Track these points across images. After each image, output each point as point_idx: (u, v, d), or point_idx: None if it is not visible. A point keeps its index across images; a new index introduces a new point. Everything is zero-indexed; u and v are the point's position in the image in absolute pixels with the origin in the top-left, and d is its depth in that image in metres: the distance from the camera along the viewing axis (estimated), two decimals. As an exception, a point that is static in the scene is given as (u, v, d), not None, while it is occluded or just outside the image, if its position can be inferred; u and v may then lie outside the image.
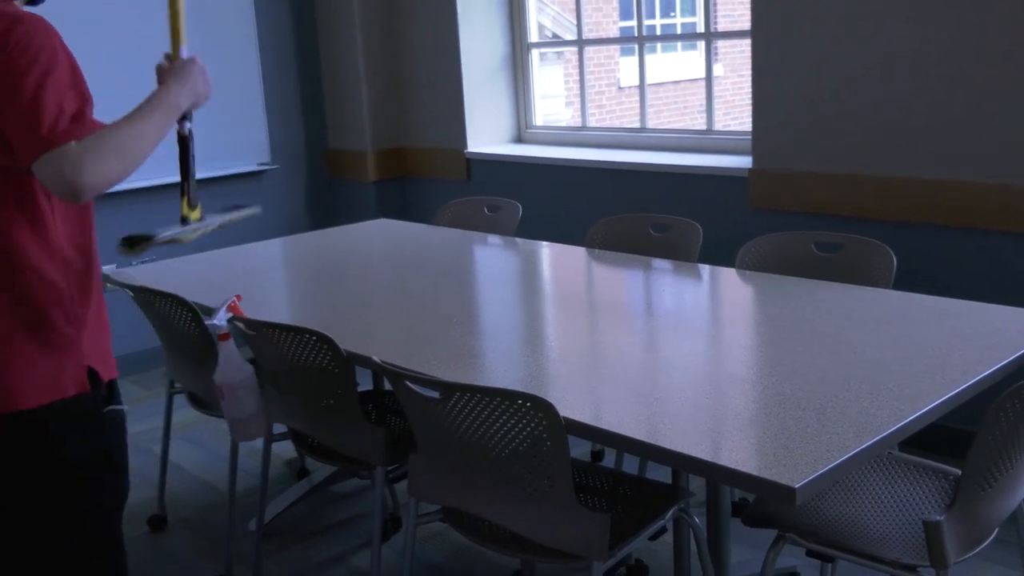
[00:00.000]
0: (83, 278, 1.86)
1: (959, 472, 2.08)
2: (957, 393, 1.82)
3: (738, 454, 1.62)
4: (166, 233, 2.08)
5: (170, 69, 2.02)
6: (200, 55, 2.09)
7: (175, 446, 3.91)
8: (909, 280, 2.76)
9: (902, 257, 2.70)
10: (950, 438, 2.36)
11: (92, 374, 1.84)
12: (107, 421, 1.90)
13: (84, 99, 1.75)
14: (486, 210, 3.83)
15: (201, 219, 2.19)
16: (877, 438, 1.65)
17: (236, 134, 5.07)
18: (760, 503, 2.01)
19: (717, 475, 1.61)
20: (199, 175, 2.15)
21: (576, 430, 1.81)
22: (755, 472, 1.55)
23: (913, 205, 3.36)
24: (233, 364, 2.46)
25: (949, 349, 2.04)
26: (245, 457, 3.64)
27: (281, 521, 3.27)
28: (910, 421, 1.71)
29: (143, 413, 4.33)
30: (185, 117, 2.06)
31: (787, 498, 1.51)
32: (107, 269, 4.45)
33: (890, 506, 2.06)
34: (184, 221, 2.16)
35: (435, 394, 1.90)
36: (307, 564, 3.03)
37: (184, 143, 2.12)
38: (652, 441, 1.69)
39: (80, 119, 1.72)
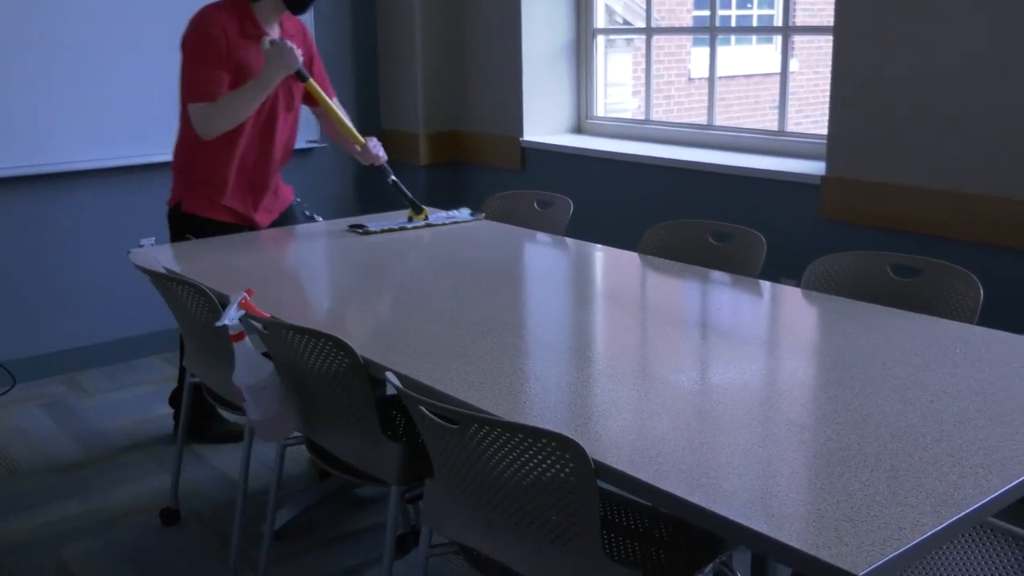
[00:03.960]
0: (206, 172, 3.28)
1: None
2: (1054, 462, 1.57)
3: (793, 524, 1.39)
4: (387, 225, 3.33)
5: (269, 51, 3.02)
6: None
7: (199, 433, 3.76)
8: (995, 314, 2.48)
9: (988, 287, 2.42)
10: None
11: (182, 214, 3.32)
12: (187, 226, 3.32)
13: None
14: (536, 205, 3.61)
15: (426, 218, 3.37)
16: (959, 516, 1.40)
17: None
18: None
19: (766, 549, 1.38)
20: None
21: (607, 475, 1.58)
22: (813, 551, 1.31)
23: (1004, 228, 3.07)
24: (252, 364, 2.26)
25: (1043, 404, 1.78)
26: (268, 451, 3.48)
27: (298, 524, 3.10)
28: (999, 496, 1.46)
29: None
30: (386, 173, 3.40)
31: (848, 586, 1.27)
32: (144, 242, 4.32)
33: (964, 580, 1.81)
34: (410, 220, 3.36)
35: (452, 423, 1.69)
36: (318, 574, 2.85)
37: (395, 184, 3.39)
38: (693, 500, 1.46)
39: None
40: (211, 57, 3.03)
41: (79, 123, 4.30)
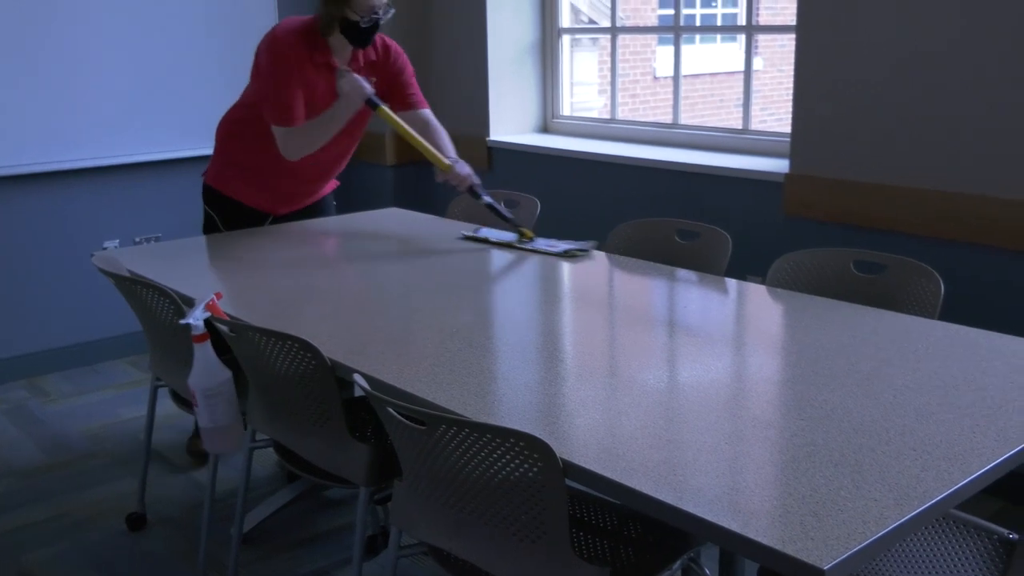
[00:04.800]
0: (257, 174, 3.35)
1: (1015, 536, 1.87)
2: (1014, 455, 1.59)
3: (759, 520, 1.40)
4: (498, 238, 3.18)
5: (341, 85, 3.13)
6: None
7: (165, 437, 3.74)
8: (956, 309, 2.52)
9: (951, 281, 2.45)
10: (1013, 484, 2.13)
11: (209, 188, 3.42)
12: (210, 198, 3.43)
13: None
14: (503, 204, 3.61)
15: (532, 239, 3.12)
16: (921, 508, 1.42)
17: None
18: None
19: (734, 544, 1.39)
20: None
21: (576, 474, 1.59)
22: (779, 546, 1.33)
23: (965, 223, 3.11)
24: (209, 368, 2.26)
25: (1004, 396, 1.80)
26: (236, 455, 3.46)
27: (267, 527, 3.08)
28: (960, 488, 1.48)
29: (137, 398, 4.16)
30: (478, 195, 3.22)
31: (814, 580, 1.28)
32: (107, 244, 4.28)
33: (932, 572, 1.83)
34: (520, 240, 3.13)
35: (421, 424, 1.69)
36: (289, 577, 2.84)
37: (490, 207, 3.22)
38: (661, 497, 1.47)
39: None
40: (290, 80, 3.10)
41: (40, 124, 4.25)
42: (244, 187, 3.37)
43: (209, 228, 3.42)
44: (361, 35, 3.12)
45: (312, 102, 3.15)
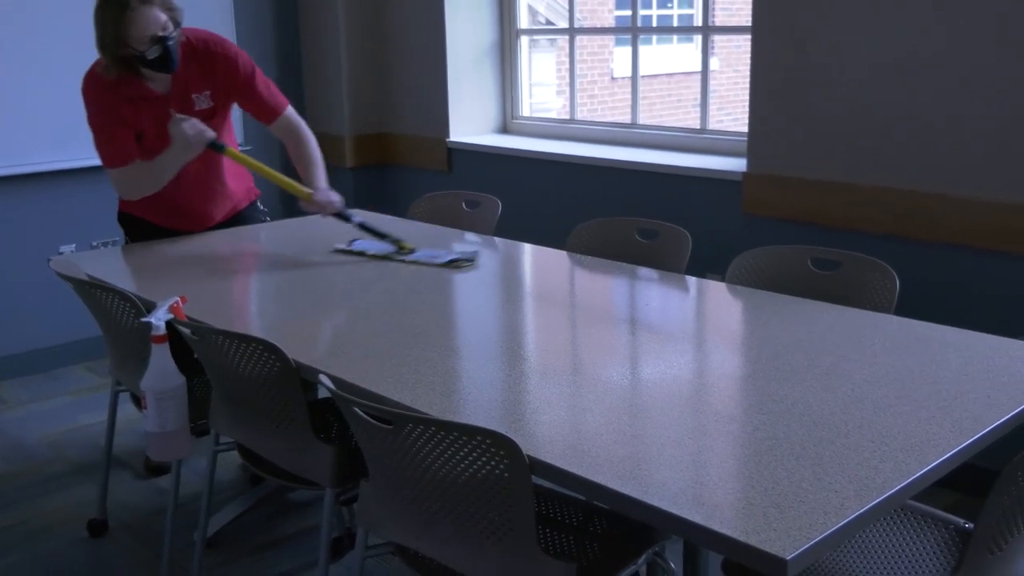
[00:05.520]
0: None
1: (970, 526, 1.91)
2: (968, 445, 1.63)
3: (722, 512, 1.42)
4: (376, 250, 3.03)
5: (174, 133, 2.92)
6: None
7: (127, 442, 3.71)
8: (910, 303, 2.56)
9: (905, 278, 2.50)
10: (967, 476, 2.18)
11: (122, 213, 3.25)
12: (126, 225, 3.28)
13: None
14: (464, 205, 3.62)
15: (412, 251, 3.00)
16: (880, 498, 1.45)
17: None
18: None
19: (699, 537, 1.41)
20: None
21: (542, 470, 1.61)
22: (742, 538, 1.35)
23: (919, 221, 3.17)
24: (163, 371, 2.24)
25: (958, 389, 1.84)
26: (198, 459, 3.44)
27: (230, 531, 3.07)
28: (918, 478, 1.52)
29: (96, 403, 4.12)
30: (347, 218, 3.12)
31: (777, 570, 1.31)
32: (63, 249, 4.24)
33: (892, 561, 1.86)
34: (399, 252, 3.00)
35: (387, 423, 1.70)
36: (254, 581, 2.83)
37: (362, 226, 3.11)
38: (625, 492, 1.49)
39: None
40: (107, 120, 2.98)
41: (-6, 129, 4.20)
42: (150, 209, 3.20)
43: None
44: (157, 63, 2.85)
45: (142, 134, 3.00)
